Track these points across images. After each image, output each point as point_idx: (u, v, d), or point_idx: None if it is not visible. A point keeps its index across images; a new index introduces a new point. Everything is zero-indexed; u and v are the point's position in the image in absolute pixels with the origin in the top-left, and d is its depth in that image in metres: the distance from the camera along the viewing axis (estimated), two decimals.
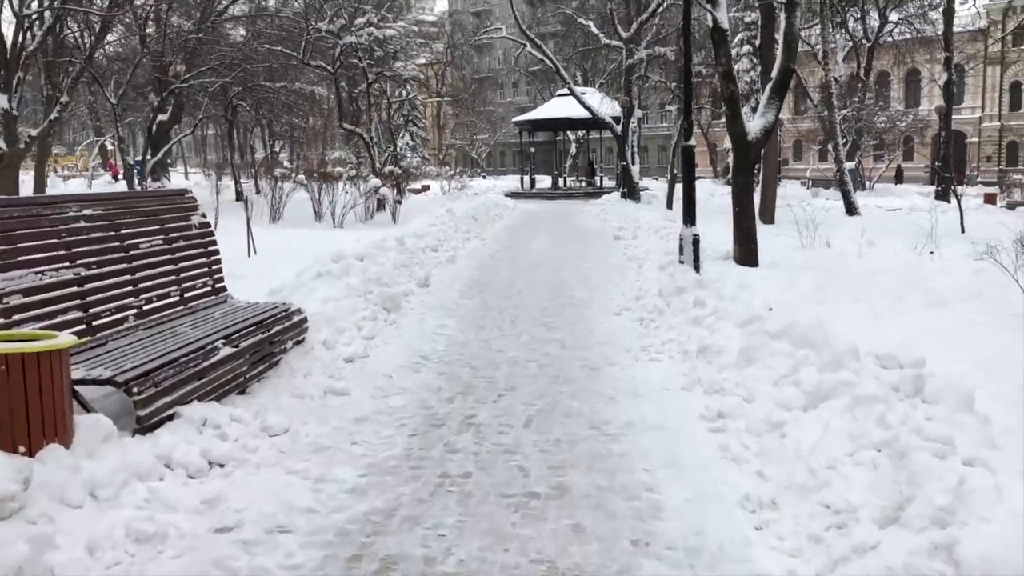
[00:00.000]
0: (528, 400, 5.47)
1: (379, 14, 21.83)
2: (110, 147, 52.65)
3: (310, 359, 6.07)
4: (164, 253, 5.53)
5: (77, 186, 46.57)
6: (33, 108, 48.25)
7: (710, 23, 11.68)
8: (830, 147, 41.83)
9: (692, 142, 8.45)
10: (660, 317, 7.81)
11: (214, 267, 6.20)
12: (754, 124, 11.61)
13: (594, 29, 30.09)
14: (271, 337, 5.61)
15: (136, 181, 44.69)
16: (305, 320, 6.30)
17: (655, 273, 10.48)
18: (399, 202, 26.81)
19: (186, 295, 5.76)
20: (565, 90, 40.99)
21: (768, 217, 19.23)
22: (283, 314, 5.96)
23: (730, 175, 37.64)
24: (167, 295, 5.48)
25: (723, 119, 37.04)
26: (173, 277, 5.63)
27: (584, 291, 10.15)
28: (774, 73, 11.77)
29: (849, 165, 39.46)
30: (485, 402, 5.44)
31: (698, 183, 34.13)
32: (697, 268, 8.67)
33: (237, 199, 19.39)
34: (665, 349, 6.74)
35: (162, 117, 32.83)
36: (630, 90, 26.87)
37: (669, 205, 25.23)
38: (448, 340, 7.37)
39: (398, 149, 58.72)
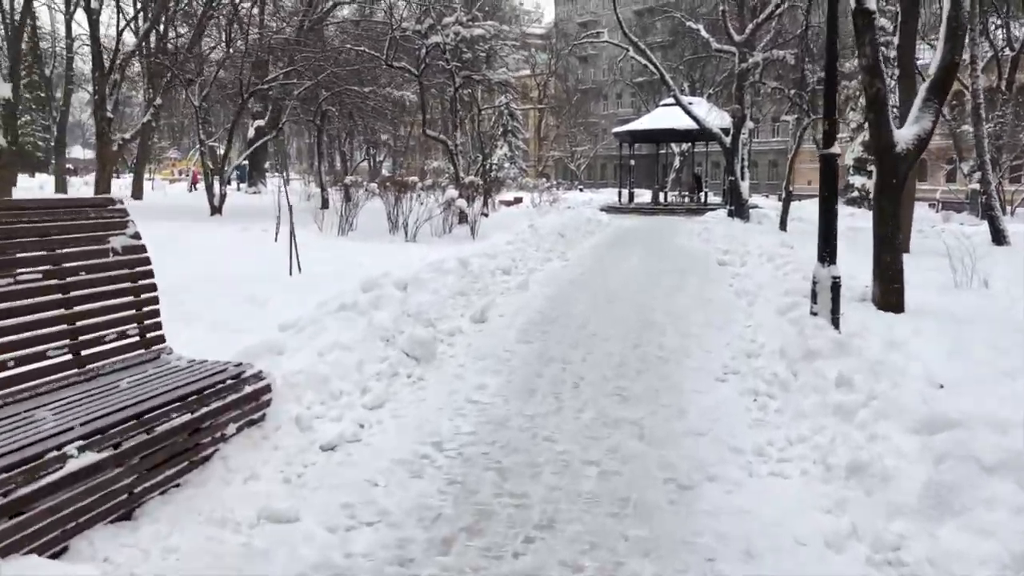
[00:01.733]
0: (569, 555, 3.40)
1: (469, 13, 20.18)
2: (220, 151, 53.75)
3: (266, 449, 4.20)
4: (46, 292, 3.77)
5: (176, 191, 47.36)
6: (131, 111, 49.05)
7: (852, 3, 9.31)
8: (963, 166, 37.70)
9: (836, 149, 6.16)
10: (784, 393, 5.56)
11: (146, 309, 4.41)
12: (905, 132, 9.12)
13: (704, 33, 27.60)
14: (198, 421, 3.77)
15: (236, 186, 44.85)
16: (266, 390, 4.44)
17: (772, 318, 8.18)
18: (485, 214, 25.15)
19: (86, 353, 3.98)
20: (670, 100, 38.52)
21: (903, 245, 16.35)
22: (227, 383, 4.12)
23: (851, 193, 34.16)
24: (40, 356, 3.71)
25: (842, 135, 33.37)
26: (64, 327, 3.87)
27: (677, 337, 7.96)
28: (933, 69, 9.24)
29: (977, 187, 35.45)
30: (500, 554, 3.40)
31: (812, 201, 30.87)
32: (836, 322, 6.34)
33: (323, 207, 18.03)
34: (794, 454, 4.51)
35: (260, 122, 32.54)
36: (742, 99, 24.25)
37: (783, 226, 22.46)
38: (481, 414, 5.35)
39: (494, 159, 57.49)
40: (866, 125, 33.38)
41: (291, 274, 10.89)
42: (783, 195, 21.55)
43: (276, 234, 14.68)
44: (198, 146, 46.23)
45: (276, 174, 64.76)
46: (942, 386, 5.82)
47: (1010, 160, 33.73)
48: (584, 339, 7.80)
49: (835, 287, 6.28)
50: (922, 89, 9.24)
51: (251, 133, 34.16)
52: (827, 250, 6.32)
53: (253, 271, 11.12)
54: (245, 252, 13.60)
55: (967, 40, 22.80)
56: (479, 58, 20.90)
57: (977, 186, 36.21)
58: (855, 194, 33.45)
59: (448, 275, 10.14)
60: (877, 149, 9.08)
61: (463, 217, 20.16)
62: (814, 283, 6.39)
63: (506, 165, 56.92)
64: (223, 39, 23.40)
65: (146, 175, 51.80)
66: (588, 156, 65.93)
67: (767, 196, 45.27)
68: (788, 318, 7.81)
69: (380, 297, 7.58)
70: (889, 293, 9.07)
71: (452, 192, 15.92)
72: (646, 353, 7.22)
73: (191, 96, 22.00)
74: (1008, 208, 33.94)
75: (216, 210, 21.82)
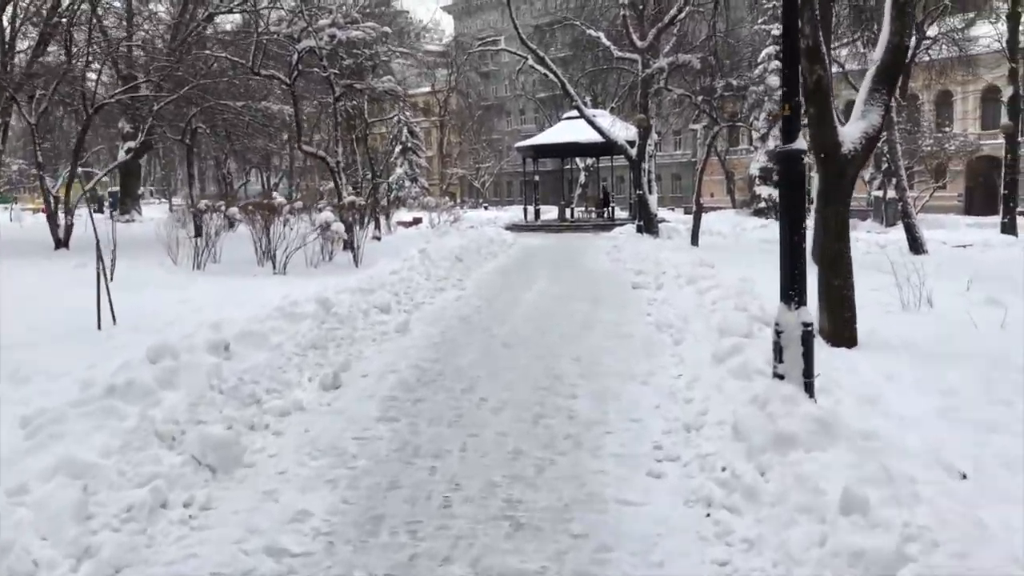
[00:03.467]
0: None
1: (346, 14, 18.05)
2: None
3: None
4: None
5: (41, 221, 43.05)
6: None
7: None
8: (863, 173, 37.82)
9: (800, 144, 4.39)
10: (753, 507, 3.70)
11: None
12: (851, 130, 7.58)
13: (604, 40, 26.30)
14: None
15: (108, 214, 40.97)
16: None
17: (709, 366, 6.40)
18: (377, 238, 22.94)
19: None
20: (573, 112, 37.26)
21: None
22: None
23: (758, 204, 33.50)
24: None
25: (742, 145, 32.74)
26: None
27: (590, 400, 6.07)
28: (878, 54, 7.76)
29: (879, 194, 35.52)
30: None
31: (718, 213, 29.84)
32: (810, 388, 4.55)
33: (197, 235, 15.40)
34: None
35: (130, 144, 29.33)
36: (646, 107, 22.97)
37: (695, 241, 21.19)
38: None
39: (392, 178, 55.12)
40: (775, 132, 32.94)
41: (100, 327, 8.48)
42: (694, 208, 20.25)
43: (111, 271, 12.14)
44: (36, 170, 42.22)
45: (157, 200, 60.43)
46: (965, 476, 4.14)
47: (909, 167, 33.91)
48: (469, 411, 5.80)
49: (807, 338, 4.48)
50: (867, 78, 7.73)
51: (121, 155, 30.99)
52: (794, 287, 4.52)
53: (54, 324, 8.66)
54: (63, 297, 11.02)
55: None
56: (363, 67, 18.78)
57: (880, 193, 36.44)
58: (762, 205, 32.87)
59: (301, 321, 7.98)
60: (820, 149, 7.50)
61: (348, 243, 17.94)
62: (777, 332, 4.58)
63: (406, 184, 54.76)
64: (64, 49, 20.42)
65: (3, 204, 47.03)
66: (492, 173, 64.39)
67: (672, 209, 44.64)
68: (730, 368, 6.04)
69: (179, 369, 5.39)
70: (842, 325, 7.49)
71: (328, 215, 13.71)
72: (551, 432, 5.28)
73: (24, 114, 19.00)
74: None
75: (61, 243, 18.82)
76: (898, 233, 24.28)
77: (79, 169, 42.13)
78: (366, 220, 16.58)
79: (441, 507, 4.02)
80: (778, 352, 4.57)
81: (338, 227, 13.71)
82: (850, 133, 7.49)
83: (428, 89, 68.64)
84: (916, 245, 18.61)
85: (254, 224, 14.12)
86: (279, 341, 7.16)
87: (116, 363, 5.57)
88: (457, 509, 4.00)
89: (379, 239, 22.86)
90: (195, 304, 10.23)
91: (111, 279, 11.86)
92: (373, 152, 25.87)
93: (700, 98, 19.16)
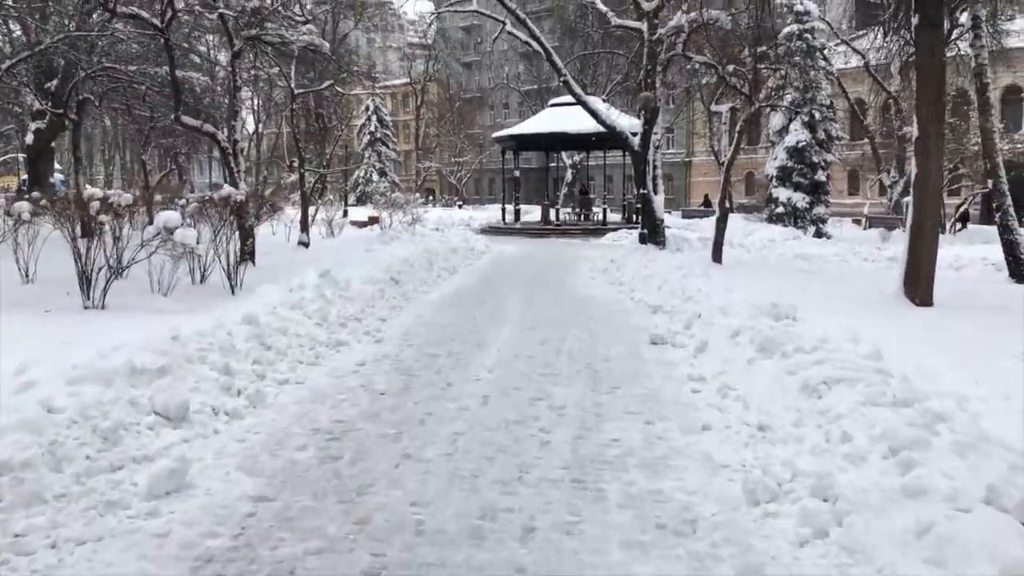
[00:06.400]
0: None
1: None
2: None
3: None
4: None
5: None
6: None
7: None
8: (883, 176, 32.90)
9: None
10: None
11: None
12: None
13: (600, 5, 21.31)
14: None
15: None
16: None
17: None
18: (304, 243, 17.82)
19: None
20: (560, 99, 32.23)
21: (922, 293, 10.18)
22: None
23: (776, 209, 28.53)
24: None
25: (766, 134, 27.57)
26: None
27: None
28: None
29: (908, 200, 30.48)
30: None
31: (709, 220, 24.48)
32: None
33: (83, 235, 10.05)
34: None
35: (38, 124, 24.00)
36: (653, 84, 17.97)
37: (717, 256, 16.12)
38: None
39: (361, 172, 49.72)
40: (796, 126, 27.97)
41: None
42: (719, 213, 15.24)
43: None
44: None
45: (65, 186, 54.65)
46: None
47: (951, 168, 29.03)
48: None
49: None
50: None
51: (30, 139, 25.69)
52: None
53: None
54: None
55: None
56: (277, 14, 13.64)
57: (909, 199, 31.52)
58: (779, 210, 28.00)
59: None
60: None
61: (249, 254, 12.82)
62: None
63: (374, 178, 49.50)
64: None
65: None
66: (471, 169, 59.19)
67: (669, 212, 39.53)
68: None
69: None
70: None
71: (169, 216, 8.55)
72: None
73: None
74: (949, 226, 29.24)
75: None
76: (959, 249, 19.56)
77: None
78: (250, 220, 11.43)
79: None
80: None
81: (185, 235, 8.57)
82: None
83: (406, 80, 63.63)
84: (1020, 270, 13.76)
85: (63, 228, 8.98)
86: None
87: None
88: None
89: (306, 245, 17.73)
90: None
91: None
92: (298, 131, 20.63)
93: (730, 68, 14.17)
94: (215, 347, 6.14)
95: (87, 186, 12.97)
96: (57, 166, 57.47)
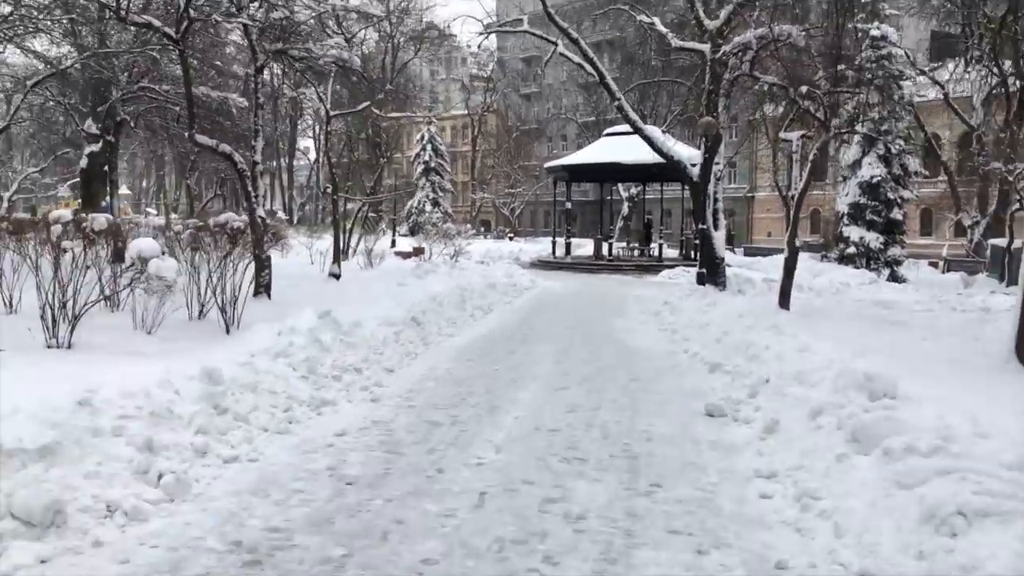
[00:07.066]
0: None
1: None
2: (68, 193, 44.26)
3: None
4: None
5: None
6: None
7: None
8: (963, 216, 30.51)
9: None
10: None
11: None
12: None
13: (660, 27, 19.91)
14: None
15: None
16: None
17: None
18: (336, 276, 16.68)
19: None
20: (617, 128, 30.87)
21: None
22: None
23: (847, 249, 26.42)
24: None
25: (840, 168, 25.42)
26: None
27: None
28: None
29: (1000, 242, 27.83)
30: None
31: (770, 260, 22.47)
32: None
33: (115, 260, 9.03)
34: None
35: (93, 148, 23.76)
36: (715, 109, 16.46)
37: (784, 302, 14.29)
38: None
39: (415, 202, 49.00)
40: (871, 159, 25.91)
41: None
42: (788, 254, 13.52)
43: None
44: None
45: (155, 212, 55.13)
46: None
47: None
48: None
49: None
50: None
51: (84, 163, 25.53)
52: None
53: None
54: None
55: None
56: (302, 30, 12.56)
57: (998, 241, 28.95)
58: (851, 250, 25.92)
59: None
60: None
61: (263, 285, 11.68)
62: None
63: (427, 208, 48.74)
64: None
65: None
66: (524, 200, 58.04)
67: (733, 250, 37.52)
68: None
69: None
70: None
71: (143, 245, 7.36)
72: None
73: None
74: None
75: None
76: None
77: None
78: (266, 251, 10.23)
79: None
80: None
81: (160, 267, 7.36)
82: None
83: (464, 111, 63.17)
84: None
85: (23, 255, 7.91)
86: None
87: None
88: None
89: (337, 277, 16.58)
90: None
91: None
92: (331, 154, 19.63)
93: (804, 90, 12.56)
94: (143, 412, 4.84)
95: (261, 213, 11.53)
96: (126, 191, 58.26)
